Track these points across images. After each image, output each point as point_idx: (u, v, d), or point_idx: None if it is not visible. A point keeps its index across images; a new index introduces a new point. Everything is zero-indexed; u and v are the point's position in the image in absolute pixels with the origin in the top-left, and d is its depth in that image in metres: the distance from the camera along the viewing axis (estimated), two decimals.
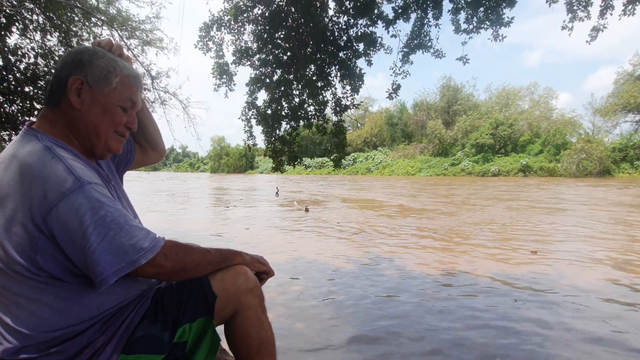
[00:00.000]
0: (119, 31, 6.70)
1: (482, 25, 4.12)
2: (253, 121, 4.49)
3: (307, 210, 10.64)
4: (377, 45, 3.85)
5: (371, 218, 9.22)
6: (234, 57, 4.17)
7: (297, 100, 4.33)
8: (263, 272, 1.27)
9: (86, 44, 6.12)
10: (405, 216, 9.46)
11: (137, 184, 27.27)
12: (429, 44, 4.22)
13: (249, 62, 4.18)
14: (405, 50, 3.93)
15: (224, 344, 1.22)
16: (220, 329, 1.19)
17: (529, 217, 9.08)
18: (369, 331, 2.73)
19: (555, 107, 47.05)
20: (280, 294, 3.63)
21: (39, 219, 0.88)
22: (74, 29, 5.63)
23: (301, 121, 4.41)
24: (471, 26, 4.16)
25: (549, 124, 43.41)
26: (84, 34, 6.14)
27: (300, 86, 4.26)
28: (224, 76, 4.15)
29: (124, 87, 1.07)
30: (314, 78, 4.22)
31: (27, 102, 4.53)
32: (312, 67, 4.25)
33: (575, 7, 4.01)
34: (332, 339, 2.64)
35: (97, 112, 1.05)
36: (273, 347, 1.19)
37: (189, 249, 1.07)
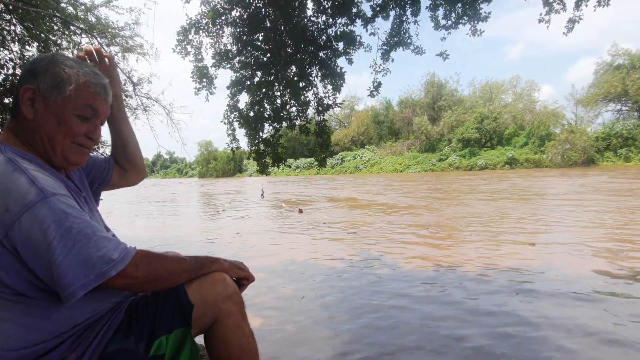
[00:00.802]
0: (98, 39, 6.60)
1: (461, 21, 4.17)
2: (236, 124, 4.46)
3: (300, 211, 10.62)
4: (357, 43, 3.87)
5: (360, 216, 9.25)
6: (214, 60, 4.13)
7: (279, 101, 4.32)
8: (243, 278, 1.26)
9: (66, 52, 6.01)
10: (394, 213, 9.51)
11: (122, 193, 26.87)
12: (409, 41, 4.25)
13: (229, 65, 4.15)
14: (384, 48, 3.95)
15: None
16: (200, 339, 1.18)
17: (519, 209, 9.21)
18: (363, 332, 2.72)
19: (538, 100, 47.92)
20: (271, 297, 3.61)
21: (1, 233, 0.86)
22: (53, 38, 5.53)
23: (284, 122, 4.40)
24: (450, 22, 4.19)
25: (532, 116, 44.15)
26: (64, 42, 6.02)
27: (281, 87, 4.24)
28: (204, 80, 4.11)
29: (81, 95, 1.03)
30: (295, 79, 4.20)
31: (7, 114, 4.44)
32: (293, 67, 4.24)
33: (551, 0, 4.08)
34: (324, 340, 2.63)
35: (51, 122, 1.01)
36: (255, 354, 1.18)
37: (162, 258, 1.05)
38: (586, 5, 4.09)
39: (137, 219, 10.94)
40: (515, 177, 23.53)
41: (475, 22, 4.09)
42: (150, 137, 6.70)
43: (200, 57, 4.12)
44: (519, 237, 5.90)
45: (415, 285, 3.75)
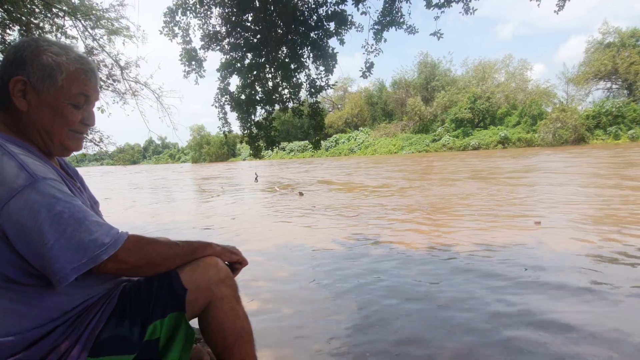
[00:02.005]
0: (82, 21, 6.40)
1: None
2: (227, 107, 4.38)
3: (301, 194, 10.65)
4: (348, 23, 3.78)
5: (355, 199, 9.27)
6: (202, 42, 4.02)
7: (270, 83, 4.24)
8: (236, 262, 1.25)
9: (48, 36, 5.83)
10: (388, 195, 9.54)
11: (116, 180, 26.67)
12: (401, 20, 4.15)
13: (218, 47, 4.04)
14: (376, 27, 3.86)
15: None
16: (195, 322, 1.18)
17: (517, 189, 9.29)
18: (359, 314, 2.75)
19: (530, 79, 47.83)
20: (267, 281, 3.63)
21: None
22: (35, 21, 5.36)
23: (276, 105, 4.33)
24: (442, 0, 4.11)
25: (524, 95, 44.13)
26: (46, 25, 5.84)
27: (272, 69, 4.16)
28: (193, 62, 4.01)
29: (72, 84, 1.00)
30: (286, 60, 4.11)
31: None
32: (284, 49, 4.15)
33: None
34: (320, 322, 2.66)
35: (46, 114, 0.99)
36: (250, 336, 1.19)
37: (154, 243, 1.04)
38: None
39: (133, 205, 10.89)
40: (508, 157, 23.67)
41: (468, 0, 4.01)
42: (141, 122, 6.58)
43: (188, 39, 4.01)
44: (524, 216, 5.97)
45: (412, 267, 3.79)
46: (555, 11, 4.18)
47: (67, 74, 0.99)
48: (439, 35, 3.93)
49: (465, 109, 42.94)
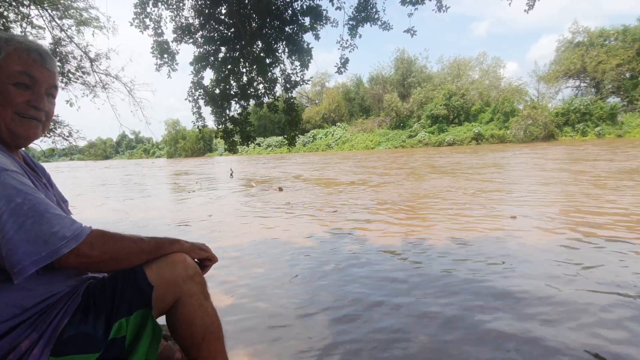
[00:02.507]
0: (49, 10, 6.14)
1: None
2: (201, 102, 4.33)
3: (280, 189, 10.60)
4: (323, 18, 3.79)
5: (333, 194, 9.32)
6: (175, 35, 3.95)
7: (245, 78, 4.21)
8: (205, 259, 1.25)
9: (13, 26, 5.56)
10: (365, 190, 9.64)
11: (87, 175, 25.81)
12: (376, 16, 4.20)
13: (191, 40, 3.98)
14: (351, 23, 3.89)
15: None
16: (163, 320, 1.17)
17: (490, 184, 9.55)
18: (338, 310, 2.77)
19: (503, 76, 49.04)
20: (243, 276, 3.62)
21: None
22: None
23: (251, 100, 4.31)
24: None
25: (498, 92, 45.28)
26: (10, 14, 5.58)
27: (247, 64, 4.12)
28: (165, 55, 3.93)
29: (13, 62, 0.98)
30: (261, 55, 4.09)
31: None
32: (259, 43, 4.12)
33: None
34: (298, 318, 2.68)
35: None
36: (220, 333, 1.19)
37: (119, 238, 1.03)
38: None
39: (106, 201, 10.58)
40: (481, 153, 24.28)
41: None
42: (112, 116, 6.42)
43: (160, 31, 3.92)
44: (500, 211, 6.15)
45: (391, 261, 3.86)
46: (525, 10, 4.32)
47: (5, 54, 0.98)
48: (412, 32, 4.00)
49: (441, 105, 43.73)
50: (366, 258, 3.93)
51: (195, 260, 1.20)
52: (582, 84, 44.87)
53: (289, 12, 3.82)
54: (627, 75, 39.47)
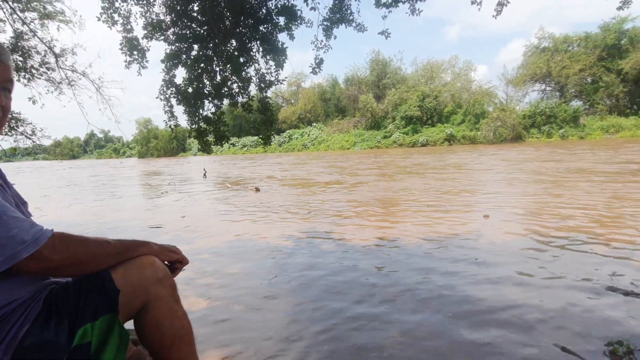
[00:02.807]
0: (10, 2, 5.85)
1: (400, 0, 4.22)
2: (173, 100, 4.23)
3: (257, 190, 10.49)
4: (298, 18, 3.78)
5: (308, 195, 9.33)
6: (145, 31, 3.84)
7: (219, 77, 4.14)
8: (175, 261, 1.22)
9: None
10: (340, 191, 9.70)
11: (54, 175, 24.74)
12: (351, 17, 4.23)
13: (162, 37, 3.88)
14: (326, 24, 3.90)
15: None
16: (131, 324, 1.14)
17: (462, 183, 9.79)
18: (315, 311, 2.76)
19: (474, 79, 50.55)
20: (217, 278, 3.56)
21: None
22: None
23: (225, 99, 4.24)
24: (390, 0, 4.23)
25: (469, 95, 46.57)
26: None
27: (221, 62, 4.06)
28: (135, 52, 3.81)
29: None
30: (235, 53, 4.04)
31: None
32: (233, 42, 4.07)
33: None
34: (273, 320, 2.66)
35: None
36: (190, 337, 1.17)
37: (83, 241, 0.99)
38: None
39: (73, 202, 10.17)
40: (453, 153, 24.89)
41: (414, 1, 4.17)
42: (79, 114, 6.19)
43: (129, 27, 3.80)
44: (472, 210, 6.31)
45: (367, 261, 3.89)
46: (493, 15, 4.46)
47: None
48: (386, 34, 4.05)
49: (415, 106, 44.54)
50: (343, 259, 3.94)
51: (165, 262, 1.17)
52: (547, 88, 46.85)
53: (264, 11, 3.79)
54: (589, 80, 41.52)
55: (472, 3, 4.14)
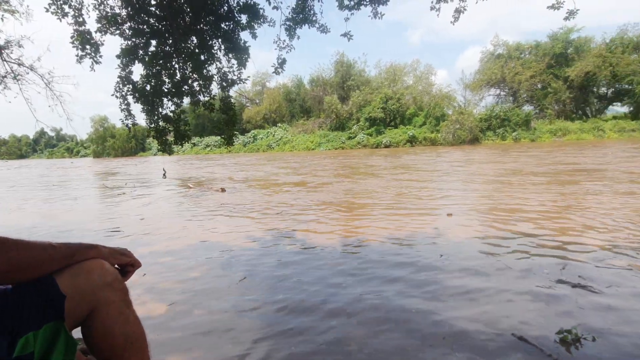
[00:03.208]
0: None
1: (363, 2, 4.28)
2: (130, 98, 4.05)
3: (223, 190, 10.26)
4: (260, 17, 3.74)
5: (272, 195, 9.26)
6: (99, 25, 3.65)
7: (179, 75, 4.02)
8: (127, 264, 1.17)
9: None
10: (304, 191, 9.70)
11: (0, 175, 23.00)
12: (314, 18, 4.24)
13: (117, 31, 3.71)
14: (288, 23, 3.89)
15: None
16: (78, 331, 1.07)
17: (423, 184, 10.06)
18: (276, 311, 2.74)
19: (434, 83, 52.12)
20: (178, 282, 3.45)
21: None
22: None
23: (186, 97, 4.12)
24: (352, 2, 4.29)
25: (430, 98, 48.04)
26: None
27: (181, 60, 3.94)
28: (88, 46, 3.62)
29: None
30: (196, 51, 3.93)
31: None
32: (194, 38, 3.96)
33: None
34: (237, 324, 2.61)
35: None
36: (143, 343, 1.12)
37: (24, 245, 0.92)
38: None
39: (22, 204, 9.50)
40: (414, 154, 25.59)
41: (376, 4, 4.24)
42: (26, 110, 5.79)
43: (81, 19, 3.60)
44: (433, 209, 6.49)
45: (331, 258, 3.91)
46: (451, 22, 4.63)
47: None
48: (349, 36, 4.10)
49: (378, 108, 45.38)
50: (307, 261, 3.94)
51: (116, 266, 1.12)
52: (502, 93, 49.30)
53: (225, 8, 3.72)
54: (539, 86, 44.08)
55: (432, 9, 4.28)
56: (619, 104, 42.76)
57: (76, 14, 3.55)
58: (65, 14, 3.51)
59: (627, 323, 2.37)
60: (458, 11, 4.37)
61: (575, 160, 14.73)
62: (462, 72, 76.56)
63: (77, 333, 1.11)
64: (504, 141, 37.38)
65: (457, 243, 4.34)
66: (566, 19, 4.34)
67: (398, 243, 4.40)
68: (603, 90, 43.33)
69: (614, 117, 40.92)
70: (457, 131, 37.87)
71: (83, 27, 3.60)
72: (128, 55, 3.74)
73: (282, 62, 3.87)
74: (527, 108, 44.21)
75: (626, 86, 39.08)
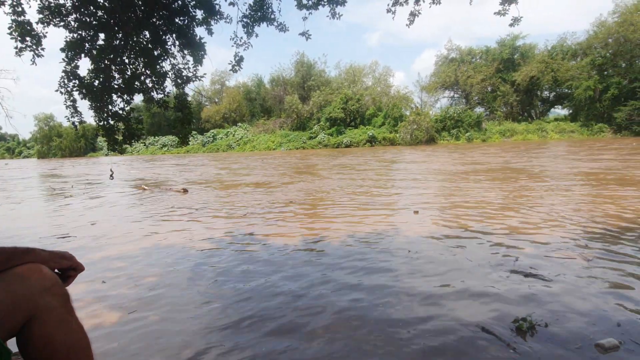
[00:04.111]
0: None
1: (321, 2, 4.30)
2: (76, 94, 3.81)
3: (185, 191, 9.92)
4: (216, 13, 3.65)
5: (232, 196, 9.09)
6: (41, 15, 3.41)
7: (130, 70, 3.83)
8: (68, 268, 1.09)
9: None
10: (268, 191, 9.61)
11: None
12: (272, 16, 4.21)
13: (62, 23, 3.48)
14: (245, 20, 3.83)
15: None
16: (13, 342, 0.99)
17: (382, 182, 10.26)
18: (230, 315, 2.69)
19: (392, 84, 53.52)
20: (131, 287, 3.30)
21: None
22: None
23: (138, 94, 3.94)
24: (310, 2, 4.29)
25: (388, 99, 49.20)
26: None
27: (132, 55, 3.77)
28: (28, 38, 3.37)
29: None
30: (149, 46, 3.77)
31: None
32: (146, 33, 3.80)
33: None
34: (193, 330, 2.53)
35: None
36: (87, 351, 1.05)
37: None
38: (424, 1, 4.65)
39: None
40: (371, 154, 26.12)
41: (334, 5, 4.28)
42: None
43: (20, 9, 3.34)
44: (395, 206, 6.62)
45: (288, 259, 3.89)
46: (406, 24, 4.76)
47: None
48: (307, 35, 4.10)
49: (338, 109, 45.82)
50: (269, 263, 3.90)
51: (56, 270, 1.05)
52: (455, 95, 51.54)
53: (179, 2, 3.59)
54: (489, 89, 46.53)
55: (388, 12, 4.37)
56: (560, 106, 46.05)
57: (14, 3, 3.28)
58: (2, 3, 3.24)
59: (573, 308, 2.55)
60: (413, 14, 4.51)
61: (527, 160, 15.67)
62: (418, 75, 79.13)
63: (12, 344, 1.03)
64: (457, 141, 39.02)
65: (422, 239, 4.48)
66: (511, 25, 4.60)
67: (362, 244, 4.47)
68: (546, 93, 46.49)
69: (555, 119, 43.95)
70: (414, 131, 39.04)
71: (23, 18, 3.34)
72: (74, 49, 3.51)
73: (239, 60, 3.80)
74: (479, 110, 46.46)
75: (566, 90, 42.11)
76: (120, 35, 3.57)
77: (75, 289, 3.18)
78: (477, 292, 2.88)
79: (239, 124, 55.05)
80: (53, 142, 62.83)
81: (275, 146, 44.46)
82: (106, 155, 55.02)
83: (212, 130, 53.42)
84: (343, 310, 2.62)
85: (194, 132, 51.99)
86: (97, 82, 3.82)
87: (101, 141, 58.76)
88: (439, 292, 2.91)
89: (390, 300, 2.76)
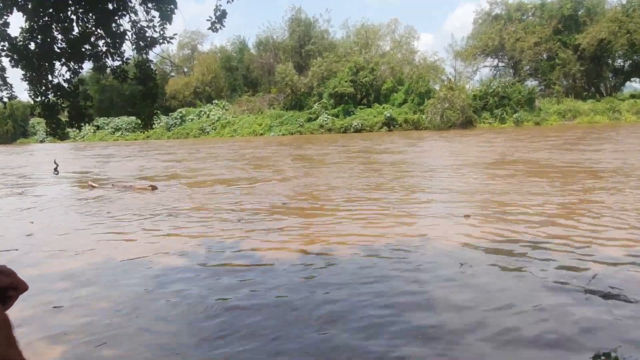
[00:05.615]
0: None
1: None
2: (6, 61, 3.81)
3: (154, 188, 10.01)
4: None
5: (205, 195, 9.13)
6: None
7: (77, 29, 3.81)
8: (7, 286, 1.09)
9: None
10: (245, 190, 9.64)
11: None
12: None
13: None
14: None
15: None
16: None
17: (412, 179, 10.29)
18: (204, 347, 2.72)
19: (417, 50, 53.38)
20: (79, 315, 3.33)
21: None
22: None
23: (87, 61, 3.93)
24: None
25: (411, 69, 49.14)
26: None
27: (80, 9, 3.75)
28: None
29: None
30: None
31: None
32: None
33: None
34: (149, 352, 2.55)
35: None
36: None
37: None
38: None
39: None
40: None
41: None
42: None
43: None
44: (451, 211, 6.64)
45: (275, 276, 3.91)
46: None
47: None
48: None
49: (346, 81, 45.69)
50: (255, 279, 3.93)
51: None
52: (500, 64, 51.39)
53: None
54: (545, 56, 46.29)
55: None
56: (638, 79, 45.79)
57: None
58: None
59: None
60: None
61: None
62: (451, 37, 78.80)
63: None
64: (503, 124, 38.94)
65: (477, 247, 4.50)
66: None
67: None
68: (619, 62, 46.24)
69: (632, 96, 43.75)
70: (446, 112, 38.97)
71: None
72: (2, 1, 3.50)
73: (221, 15, 3.76)
74: (531, 83, 46.35)
75: None
76: None
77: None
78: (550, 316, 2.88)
79: (216, 101, 54.95)
80: None
81: (264, 130, 44.42)
82: (41, 141, 55.09)
83: (179, 110, 53.30)
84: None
85: (157, 112, 52.00)
86: (33, 44, 3.80)
87: (34, 123, 58.82)
88: (507, 310, 2.92)
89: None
